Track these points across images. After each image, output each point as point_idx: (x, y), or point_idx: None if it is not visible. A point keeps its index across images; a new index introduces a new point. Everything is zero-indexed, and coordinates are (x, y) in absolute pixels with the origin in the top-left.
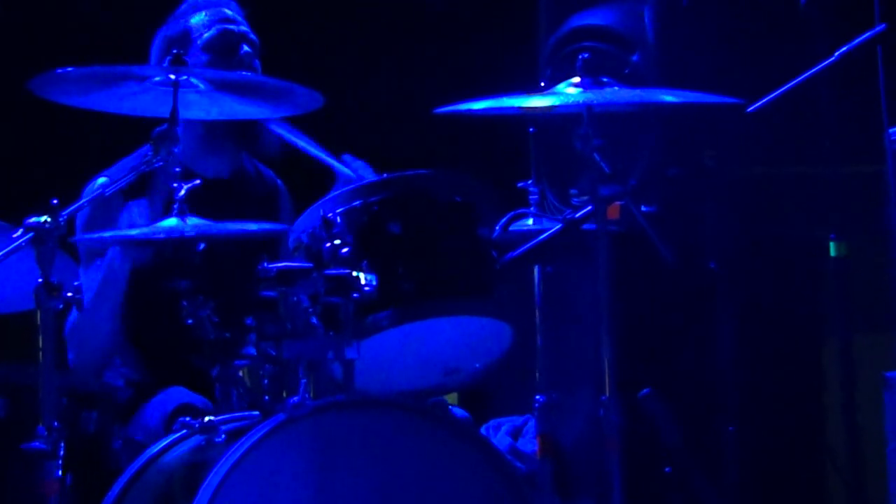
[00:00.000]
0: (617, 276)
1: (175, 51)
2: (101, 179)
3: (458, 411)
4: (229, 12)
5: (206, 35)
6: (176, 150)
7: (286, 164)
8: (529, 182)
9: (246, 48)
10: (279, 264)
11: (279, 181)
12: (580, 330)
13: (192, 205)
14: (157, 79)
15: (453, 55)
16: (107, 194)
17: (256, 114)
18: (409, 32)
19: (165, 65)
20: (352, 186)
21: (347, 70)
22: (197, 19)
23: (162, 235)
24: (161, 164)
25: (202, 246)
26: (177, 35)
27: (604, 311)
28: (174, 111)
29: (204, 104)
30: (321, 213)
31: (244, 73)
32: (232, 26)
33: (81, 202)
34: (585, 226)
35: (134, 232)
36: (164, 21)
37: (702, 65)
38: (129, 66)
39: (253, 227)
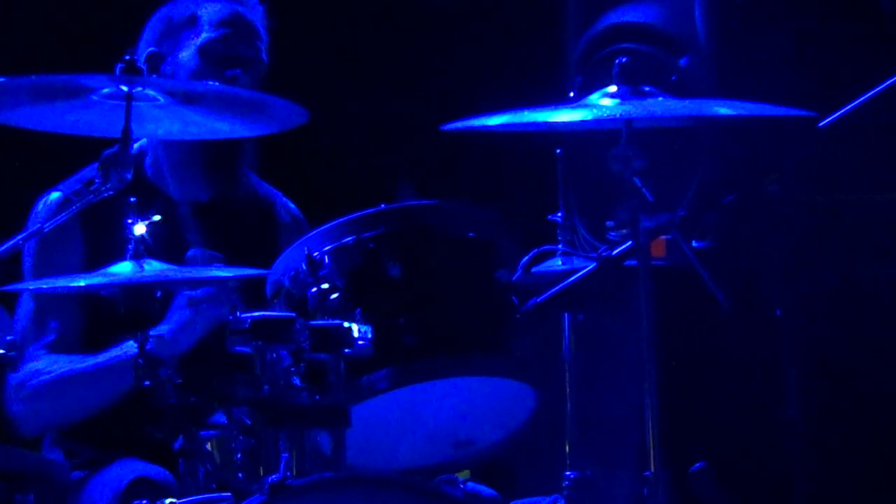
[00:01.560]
0: (662, 325)
1: (127, 56)
2: (55, 195)
3: (484, 490)
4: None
5: (208, 36)
6: (128, 175)
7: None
8: (557, 214)
9: (240, 72)
10: (254, 314)
11: (280, 198)
12: (619, 391)
13: (159, 237)
14: (105, 91)
15: (462, 61)
16: (46, 230)
17: (227, 132)
18: (408, 35)
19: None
20: (342, 219)
21: (334, 80)
22: (209, 10)
23: (112, 282)
24: (111, 192)
25: (160, 293)
26: (182, 19)
27: (647, 368)
28: (126, 130)
29: (164, 120)
30: (305, 251)
31: (211, 83)
32: (240, 42)
33: (16, 239)
34: (625, 265)
35: (81, 283)
36: None
37: (764, 71)
38: (69, 75)
39: (223, 273)
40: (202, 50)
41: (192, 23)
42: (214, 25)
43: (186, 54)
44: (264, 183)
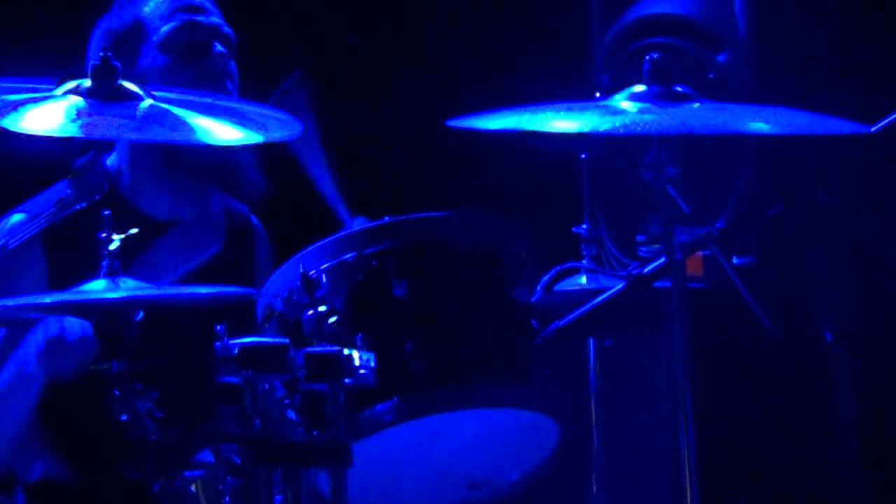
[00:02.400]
0: (699, 352)
1: (102, 53)
2: (17, 216)
3: None
4: None
5: (164, 29)
6: (105, 187)
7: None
8: (582, 226)
9: (219, 47)
10: (243, 340)
11: (255, 220)
12: (650, 424)
13: (131, 258)
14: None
15: (475, 55)
16: (9, 248)
17: (216, 138)
18: (413, 27)
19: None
20: (341, 234)
21: (332, 79)
22: (152, 7)
23: (87, 300)
24: (83, 205)
25: (140, 316)
26: (125, 28)
27: (682, 399)
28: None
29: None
30: (300, 269)
31: (188, 91)
32: (200, 17)
33: None
34: (657, 284)
35: (46, 299)
36: (107, 8)
37: (812, 68)
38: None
39: (206, 290)
40: (164, 45)
41: (139, 27)
42: (166, 17)
43: (148, 59)
44: (240, 205)
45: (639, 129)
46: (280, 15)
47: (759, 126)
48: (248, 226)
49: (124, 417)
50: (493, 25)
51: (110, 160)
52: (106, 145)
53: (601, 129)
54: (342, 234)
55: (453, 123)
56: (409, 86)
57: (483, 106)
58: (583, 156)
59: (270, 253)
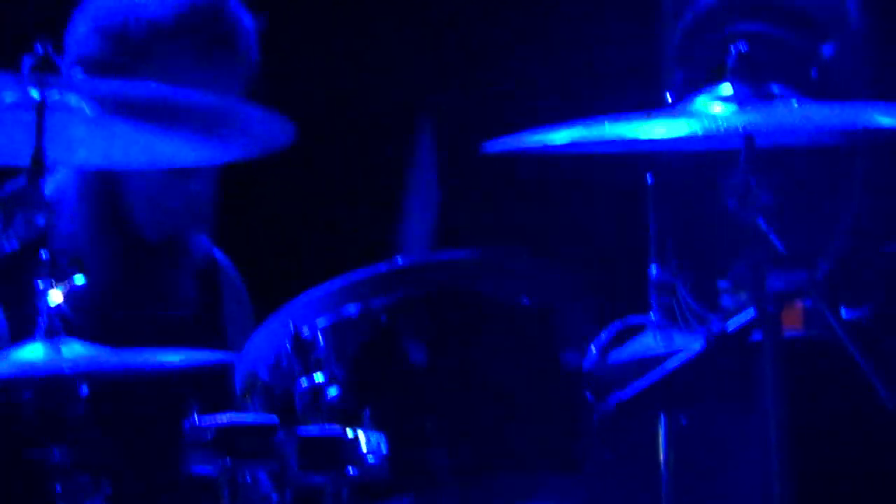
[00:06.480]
0: (800, 428)
1: (40, 49)
2: None
3: None
4: None
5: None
6: (40, 219)
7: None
8: (653, 270)
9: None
10: (219, 419)
11: (220, 256)
12: None
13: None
14: (7, 99)
15: (518, 55)
16: None
17: (185, 156)
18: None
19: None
20: (342, 281)
21: (335, 80)
22: None
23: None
24: (15, 246)
25: (86, 391)
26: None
27: (776, 486)
28: (38, 153)
29: (96, 142)
30: (290, 327)
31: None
32: None
33: None
34: (745, 343)
35: None
36: None
37: None
38: None
39: (171, 356)
40: (175, 31)
41: (128, 27)
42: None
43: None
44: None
45: (735, 130)
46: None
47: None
48: (212, 264)
49: None
50: (540, 22)
51: (49, 187)
52: (41, 169)
53: (690, 134)
54: (343, 281)
55: (492, 147)
56: (440, 99)
57: (532, 118)
58: (649, 179)
59: (243, 300)
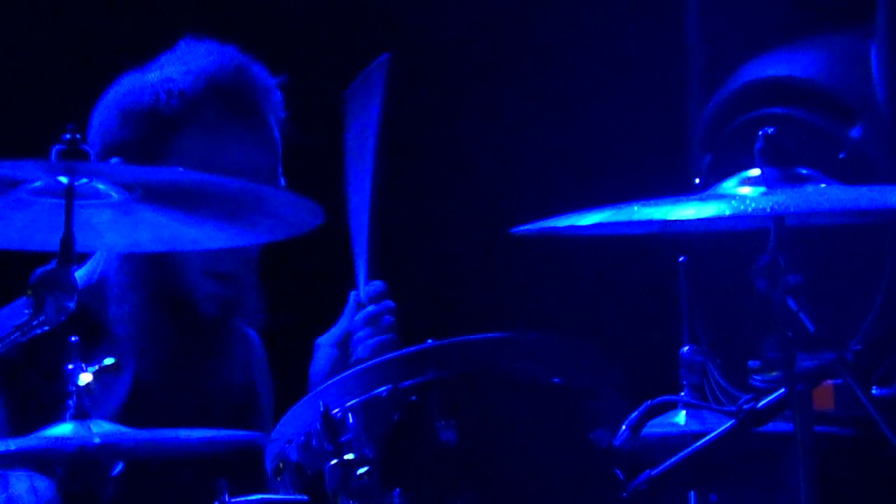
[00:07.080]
0: None
1: (68, 135)
2: None
3: None
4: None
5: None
6: (70, 304)
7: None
8: (684, 349)
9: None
10: (250, 498)
11: (245, 326)
12: None
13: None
14: (36, 184)
15: (540, 133)
16: None
17: (212, 240)
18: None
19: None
20: (373, 361)
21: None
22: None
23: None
24: (45, 328)
25: (119, 468)
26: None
27: None
28: (67, 237)
29: (123, 226)
30: (320, 406)
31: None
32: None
33: None
34: (775, 423)
35: (11, 446)
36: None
37: None
38: None
39: (202, 434)
40: (205, 97)
41: (159, 102)
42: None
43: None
44: None
45: (763, 212)
46: None
47: None
48: (241, 335)
49: None
50: (566, 104)
51: (81, 272)
52: (71, 253)
53: (723, 215)
54: (374, 361)
55: (519, 230)
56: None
57: (549, 201)
58: (681, 260)
59: (268, 371)
